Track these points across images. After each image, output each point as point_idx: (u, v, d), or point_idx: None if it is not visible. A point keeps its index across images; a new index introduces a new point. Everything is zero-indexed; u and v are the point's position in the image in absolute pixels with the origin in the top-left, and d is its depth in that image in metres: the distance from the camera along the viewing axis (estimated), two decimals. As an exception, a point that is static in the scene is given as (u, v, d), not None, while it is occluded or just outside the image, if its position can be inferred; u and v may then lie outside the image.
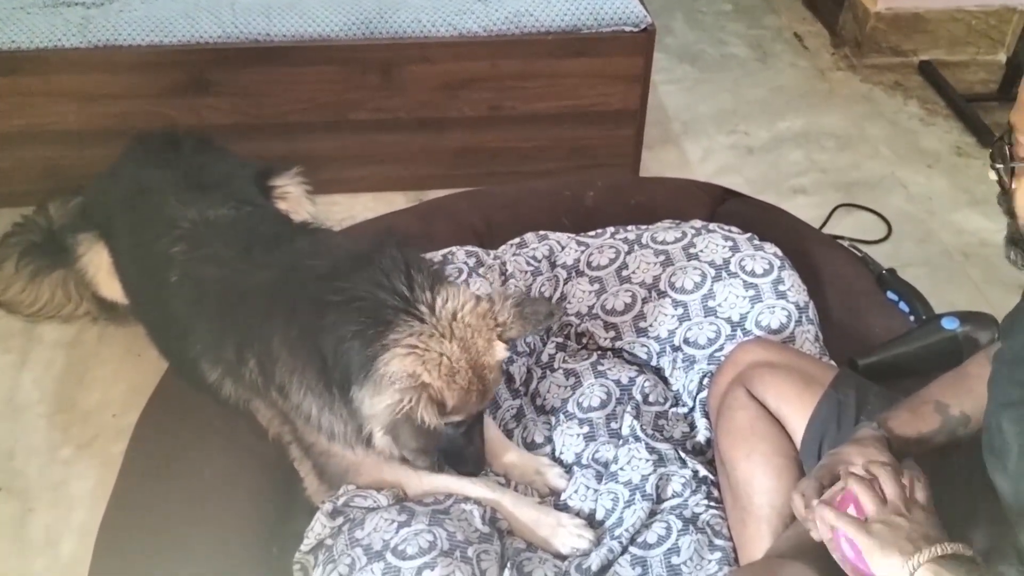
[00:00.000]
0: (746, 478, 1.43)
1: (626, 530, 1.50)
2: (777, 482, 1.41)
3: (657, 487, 1.55)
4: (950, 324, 1.74)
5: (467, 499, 1.54)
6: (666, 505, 1.55)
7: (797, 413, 1.44)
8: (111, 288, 2.05)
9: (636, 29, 2.51)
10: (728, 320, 1.78)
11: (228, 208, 1.82)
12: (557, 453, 1.69)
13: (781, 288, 1.79)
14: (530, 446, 1.71)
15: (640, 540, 1.50)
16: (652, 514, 1.54)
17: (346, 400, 1.45)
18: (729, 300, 1.79)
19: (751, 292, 1.79)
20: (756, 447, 1.44)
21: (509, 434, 1.73)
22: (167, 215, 1.80)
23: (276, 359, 1.53)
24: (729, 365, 1.59)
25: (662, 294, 1.83)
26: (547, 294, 1.93)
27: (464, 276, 1.92)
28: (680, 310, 1.81)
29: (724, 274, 1.81)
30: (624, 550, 1.49)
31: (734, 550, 1.46)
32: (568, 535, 1.51)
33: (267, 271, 1.60)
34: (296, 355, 1.50)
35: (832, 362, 1.72)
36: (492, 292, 1.54)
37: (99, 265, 2.04)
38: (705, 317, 1.80)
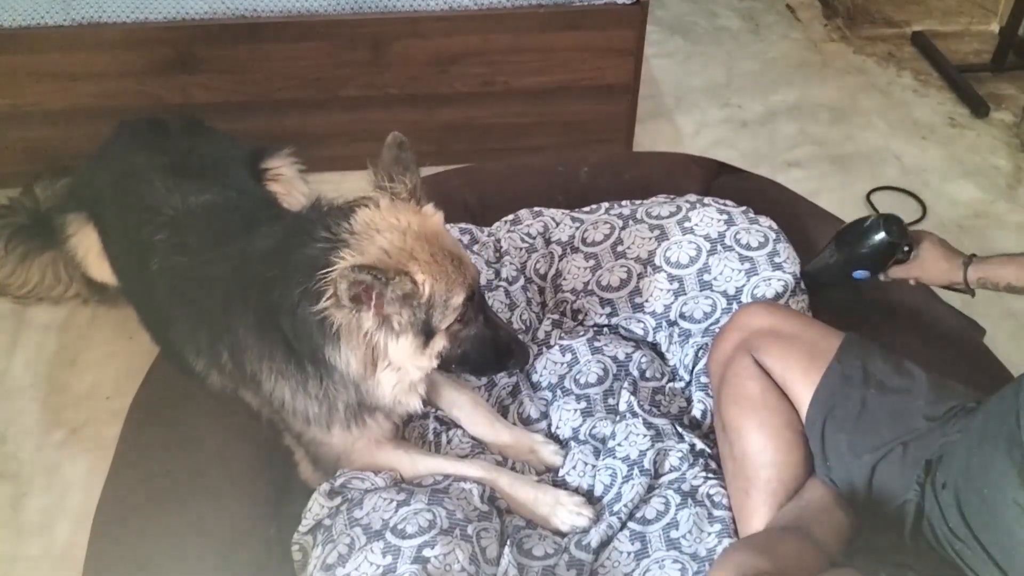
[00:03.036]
0: (755, 450, 1.42)
1: (625, 505, 1.50)
2: (787, 456, 1.41)
3: (655, 462, 1.55)
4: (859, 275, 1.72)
5: (466, 478, 1.53)
6: (664, 480, 1.55)
7: (802, 385, 1.43)
8: (101, 270, 2.03)
9: (628, 1, 2.49)
10: (724, 293, 1.78)
11: (212, 194, 1.80)
12: (553, 429, 1.68)
13: (776, 260, 1.78)
14: (525, 421, 1.71)
15: (639, 515, 1.50)
16: (650, 489, 1.54)
17: (326, 370, 1.42)
18: (725, 273, 1.78)
19: (746, 265, 1.78)
20: (767, 420, 1.43)
21: (504, 410, 1.72)
22: (152, 201, 1.79)
23: (244, 348, 1.51)
24: (733, 329, 1.56)
25: (657, 269, 1.82)
26: (542, 271, 1.92)
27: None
28: (676, 284, 1.81)
29: (719, 248, 1.80)
30: (623, 525, 1.49)
31: (733, 521, 1.46)
32: (567, 513, 1.51)
33: (228, 261, 1.57)
34: (262, 340, 1.47)
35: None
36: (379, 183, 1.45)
37: (88, 246, 2.02)
38: (701, 291, 1.79)
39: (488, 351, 1.50)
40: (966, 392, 1.38)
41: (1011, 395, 1.20)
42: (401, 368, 1.42)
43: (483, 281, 1.85)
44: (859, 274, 1.70)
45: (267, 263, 1.45)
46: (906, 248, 1.64)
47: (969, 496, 1.21)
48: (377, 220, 1.38)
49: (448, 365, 1.51)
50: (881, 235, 1.63)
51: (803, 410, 1.43)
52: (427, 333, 1.39)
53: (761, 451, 1.42)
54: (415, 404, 1.54)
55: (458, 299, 1.39)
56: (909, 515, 1.31)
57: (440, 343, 1.42)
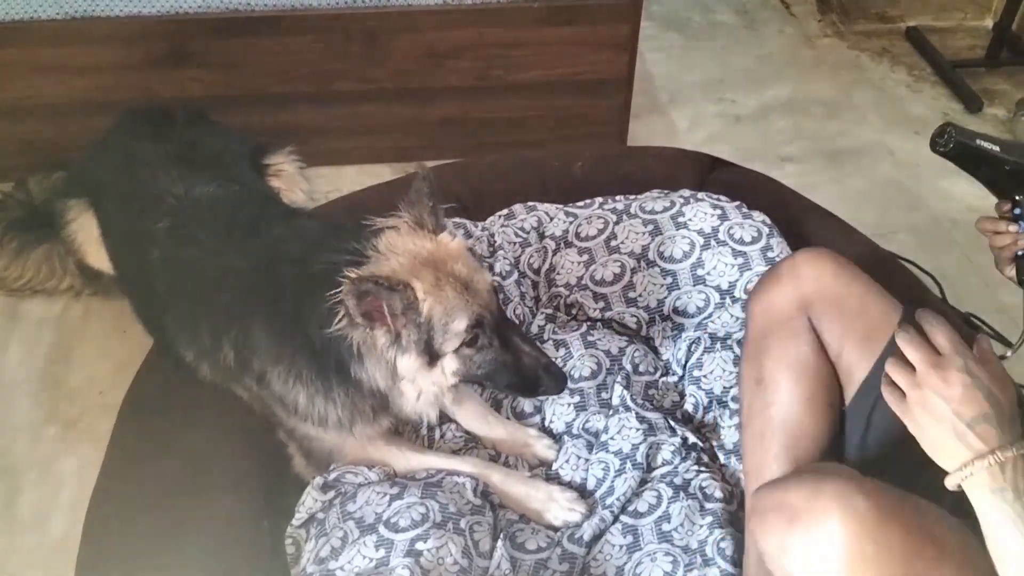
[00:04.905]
0: (799, 420, 1.35)
1: (617, 499, 1.50)
2: (828, 430, 1.35)
3: (647, 456, 1.56)
4: None
5: (458, 473, 1.53)
6: (656, 473, 1.56)
7: (856, 360, 1.36)
8: (98, 257, 2.03)
9: (623, -4, 2.49)
10: (717, 288, 1.78)
11: (215, 186, 1.79)
12: (547, 423, 1.69)
13: (770, 255, 1.79)
14: (519, 415, 1.71)
15: (631, 509, 1.51)
16: (643, 483, 1.55)
17: (350, 382, 1.42)
18: (718, 268, 1.79)
19: (740, 260, 1.78)
20: (818, 392, 1.37)
21: (498, 405, 1.72)
22: (154, 190, 1.78)
23: (255, 348, 1.50)
24: (791, 276, 1.44)
25: (651, 264, 1.83)
26: (536, 265, 1.93)
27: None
28: (669, 279, 1.81)
29: (713, 242, 1.81)
30: (615, 519, 1.50)
31: (724, 512, 1.47)
32: (560, 509, 1.51)
33: (245, 257, 1.57)
34: (283, 344, 1.47)
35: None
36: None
37: (88, 233, 2.02)
38: (694, 286, 1.80)
39: (510, 377, 1.46)
40: None
41: None
42: (416, 382, 1.43)
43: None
44: None
45: (294, 266, 1.45)
46: None
47: None
48: (396, 243, 1.40)
49: (473, 381, 1.52)
50: None
51: (850, 388, 1.37)
52: (431, 354, 1.38)
53: (805, 421, 1.35)
54: (433, 416, 1.54)
55: (459, 324, 1.38)
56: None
57: (452, 364, 1.41)
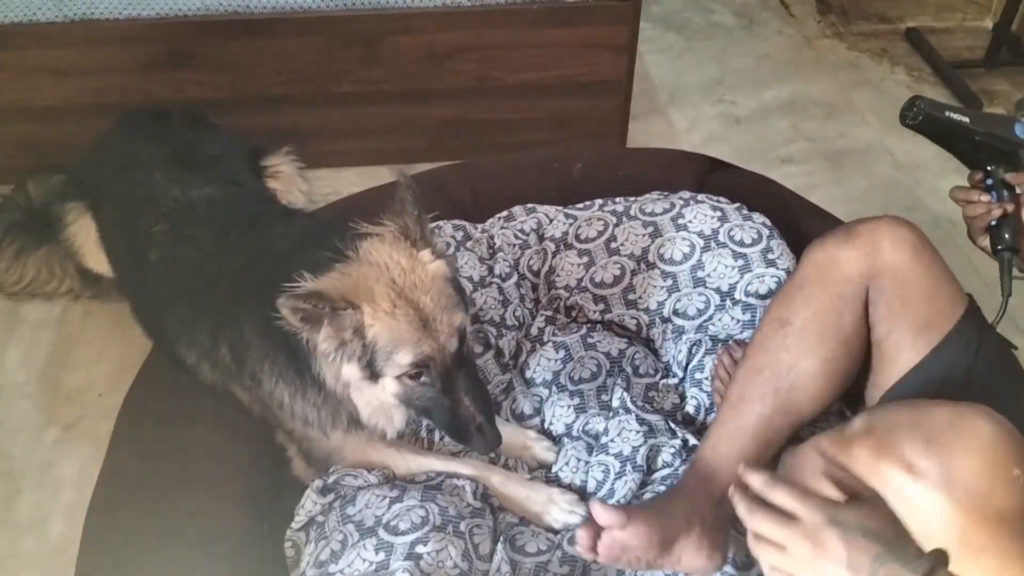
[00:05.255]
0: (806, 372, 1.33)
1: (617, 501, 1.50)
2: (827, 398, 1.33)
3: (648, 458, 1.56)
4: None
5: (458, 476, 1.53)
6: (656, 476, 1.56)
7: (905, 348, 1.32)
8: (97, 260, 2.03)
9: (622, -3, 2.49)
10: (717, 290, 1.78)
11: (213, 188, 1.80)
12: (547, 424, 1.69)
13: (770, 257, 1.79)
14: (518, 417, 1.71)
15: (631, 511, 1.50)
16: (643, 485, 1.54)
17: (318, 382, 1.42)
18: (718, 270, 1.79)
19: (740, 262, 1.78)
20: (839, 360, 1.34)
21: (498, 407, 1.72)
22: (152, 192, 1.79)
23: (248, 346, 1.50)
24: (868, 241, 1.36)
25: (651, 266, 1.83)
26: (536, 267, 1.92)
27: (451, 251, 1.90)
28: (669, 281, 1.81)
29: (713, 244, 1.81)
30: (616, 521, 1.50)
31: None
32: (560, 511, 1.51)
33: (238, 256, 1.57)
34: (267, 341, 1.47)
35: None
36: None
37: (87, 236, 2.02)
38: (694, 288, 1.79)
39: (445, 420, 1.43)
40: None
41: None
42: (363, 391, 1.42)
43: (478, 277, 1.85)
44: None
45: (277, 267, 1.43)
46: None
47: None
48: (373, 252, 1.37)
49: (410, 409, 1.48)
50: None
51: (892, 370, 1.33)
52: (373, 372, 1.37)
53: (805, 375, 1.33)
54: (390, 431, 1.52)
55: (404, 359, 1.35)
56: None
57: (392, 387, 1.39)
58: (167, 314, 1.67)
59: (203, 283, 1.61)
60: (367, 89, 2.57)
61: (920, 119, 1.47)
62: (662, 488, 1.52)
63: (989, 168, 1.46)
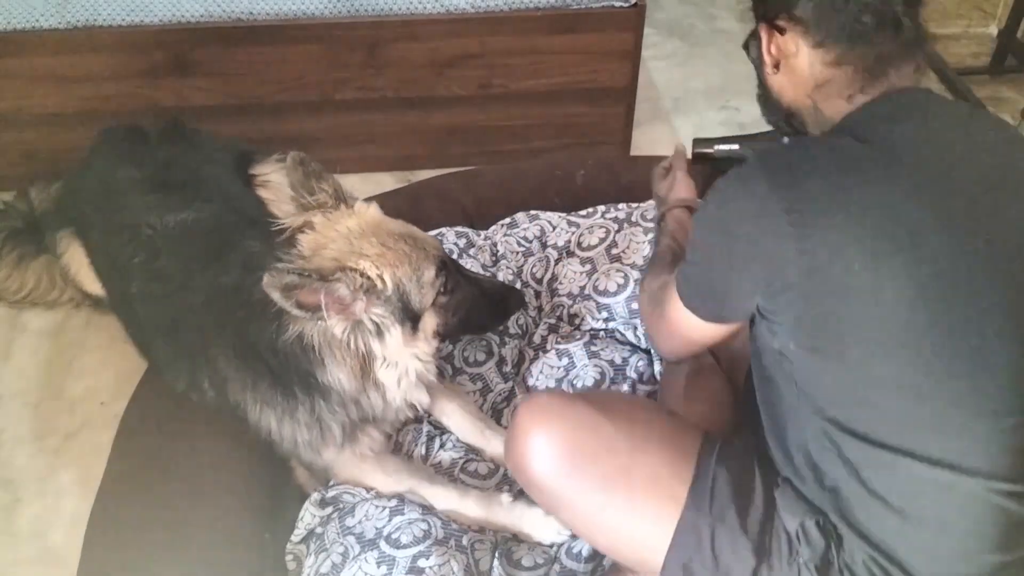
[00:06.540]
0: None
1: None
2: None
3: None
4: None
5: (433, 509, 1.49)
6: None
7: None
8: (93, 284, 2.02)
9: (626, 4, 2.48)
10: (721, 299, 1.77)
11: (189, 212, 1.76)
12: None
13: (774, 266, 1.77)
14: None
15: (635, 522, 1.49)
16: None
17: (321, 395, 1.41)
18: (722, 279, 1.77)
19: (744, 270, 1.77)
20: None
21: (499, 415, 1.71)
22: (131, 220, 1.77)
23: (225, 380, 1.50)
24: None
25: (654, 274, 1.81)
26: (538, 275, 1.92)
27: (454, 257, 1.89)
28: (673, 290, 1.80)
29: (717, 253, 1.79)
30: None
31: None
32: (549, 531, 1.47)
33: (196, 293, 1.57)
34: (244, 372, 1.47)
35: None
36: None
37: (80, 263, 2.01)
38: (698, 296, 1.78)
39: (484, 308, 1.50)
40: None
41: None
42: (399, 362, 1.41)
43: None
44: None
45: (234, 300, 1.45)
46: None
47: None
48: (319, 238, 1.38)
49: (451, 336, 1.52)
50: None
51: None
52: (412, 318, 1.38)
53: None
54: (424, 399, 1.52)
55: (429, 274, 1.39)
56: None
57: (432, 321, 1.42)
58: (151, 347, 1.70)
59: (175, 320, 1.61)
60: (370, 96, 2.56)
61: (697, 161, 1.57)
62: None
63: None
